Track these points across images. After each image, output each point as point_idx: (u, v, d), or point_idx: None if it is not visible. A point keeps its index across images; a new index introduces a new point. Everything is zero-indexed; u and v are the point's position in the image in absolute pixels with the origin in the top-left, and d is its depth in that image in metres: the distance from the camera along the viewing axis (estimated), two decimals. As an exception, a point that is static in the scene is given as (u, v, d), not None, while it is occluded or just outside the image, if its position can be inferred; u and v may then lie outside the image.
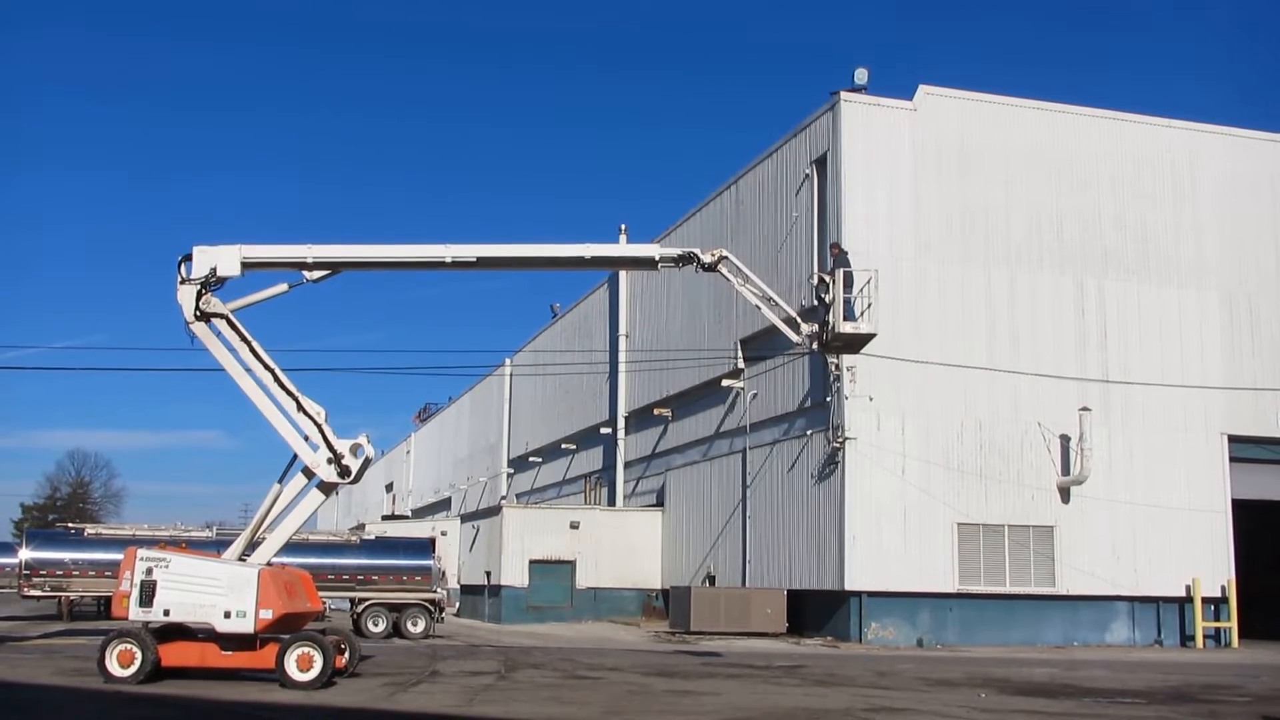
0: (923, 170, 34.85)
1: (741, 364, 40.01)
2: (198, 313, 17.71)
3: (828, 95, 35.28)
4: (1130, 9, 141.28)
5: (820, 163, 35.40)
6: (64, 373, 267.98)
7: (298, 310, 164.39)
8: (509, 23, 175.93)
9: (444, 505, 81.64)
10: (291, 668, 16.58)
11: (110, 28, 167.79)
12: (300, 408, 17.57)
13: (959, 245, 34.87)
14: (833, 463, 33.41)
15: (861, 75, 34.95)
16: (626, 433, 50.87)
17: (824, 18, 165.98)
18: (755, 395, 38.88)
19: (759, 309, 21.31)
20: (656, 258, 20.86)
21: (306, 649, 16.67)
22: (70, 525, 41.33)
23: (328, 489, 17.83)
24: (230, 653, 17.08)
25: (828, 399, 33.89)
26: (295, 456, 17.64)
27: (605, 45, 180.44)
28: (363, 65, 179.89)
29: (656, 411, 46.91)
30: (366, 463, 17.75)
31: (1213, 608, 34.95)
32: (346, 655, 17.92)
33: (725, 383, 40.48)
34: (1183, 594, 34.68)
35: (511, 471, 69.43)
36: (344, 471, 17.55)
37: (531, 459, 64.67)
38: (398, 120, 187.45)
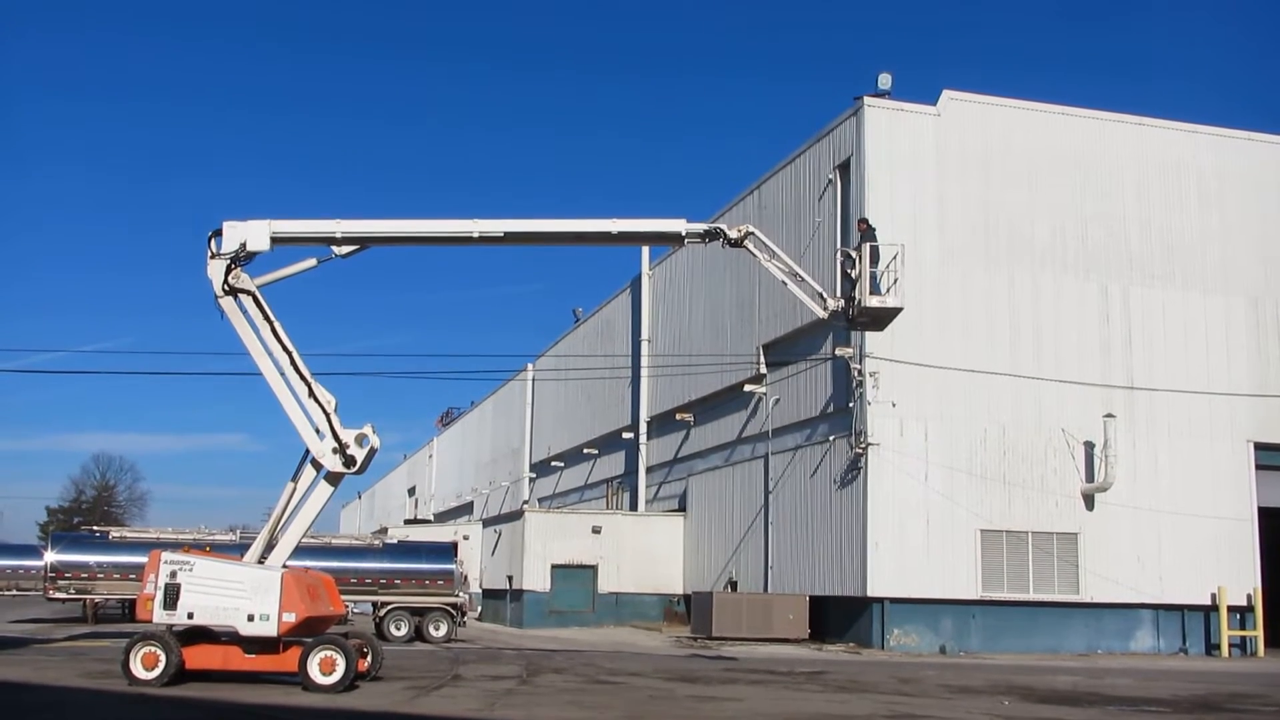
0: (946, 175, 34.73)
1: (763, 369, 39.99)
2: (226, 287, 17.90)
3: (851, 100, 35.27)
4: (1153, 14, 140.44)
5: (844, 168, 35.34)
6: (90, 376, 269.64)
7: (321, 312, 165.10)
8: (531, 29, 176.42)
9: (466, 509, 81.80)
10: (314, 671, 16.62)
11: (113, 29, 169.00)
12: (312, 393, 17.66)
13: (983, 250, 34.73)
14: (855, 468, 33.32)
15: (885, 80, 34.94)
16: (648, 437, 50.87)
17: (847, 23, 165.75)
18: (778, 400, 38.82)
19: (785, 284, 21.26)
20: (683, 232, 20.80)
21: (329, 652, 16.70)
22: (95, 528, 41.67)
23: (335, 479, 17.83)
24: (253, 656, 17.11)
25: (850, 404, 33.80)
26: (306, 452, 17.73)
27: (627, 50, 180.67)
28: (378, 69, 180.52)
29: (679, 416, 46.90)
30: (372, 453, 17.73)
31: (1238, 616, 34.64)
32: (369, 659, 17.94)
33: (747, 388, 40.46)
34: (1208, 602, 34.40)
35: (534, 476, 69.54)
36: (349, 461, 17.55)
37: (554, 463, 64.74)
38: (413, 125, 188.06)
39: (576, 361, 58.49)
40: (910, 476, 32.94)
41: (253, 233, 18.23)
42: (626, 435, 52.39)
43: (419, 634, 33.06)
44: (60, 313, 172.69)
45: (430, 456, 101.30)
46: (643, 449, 51.01)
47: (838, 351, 33.98)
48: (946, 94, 35.26)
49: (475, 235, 19.47)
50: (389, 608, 33.23)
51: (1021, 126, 35.81)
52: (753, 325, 40.77)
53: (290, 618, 16.74)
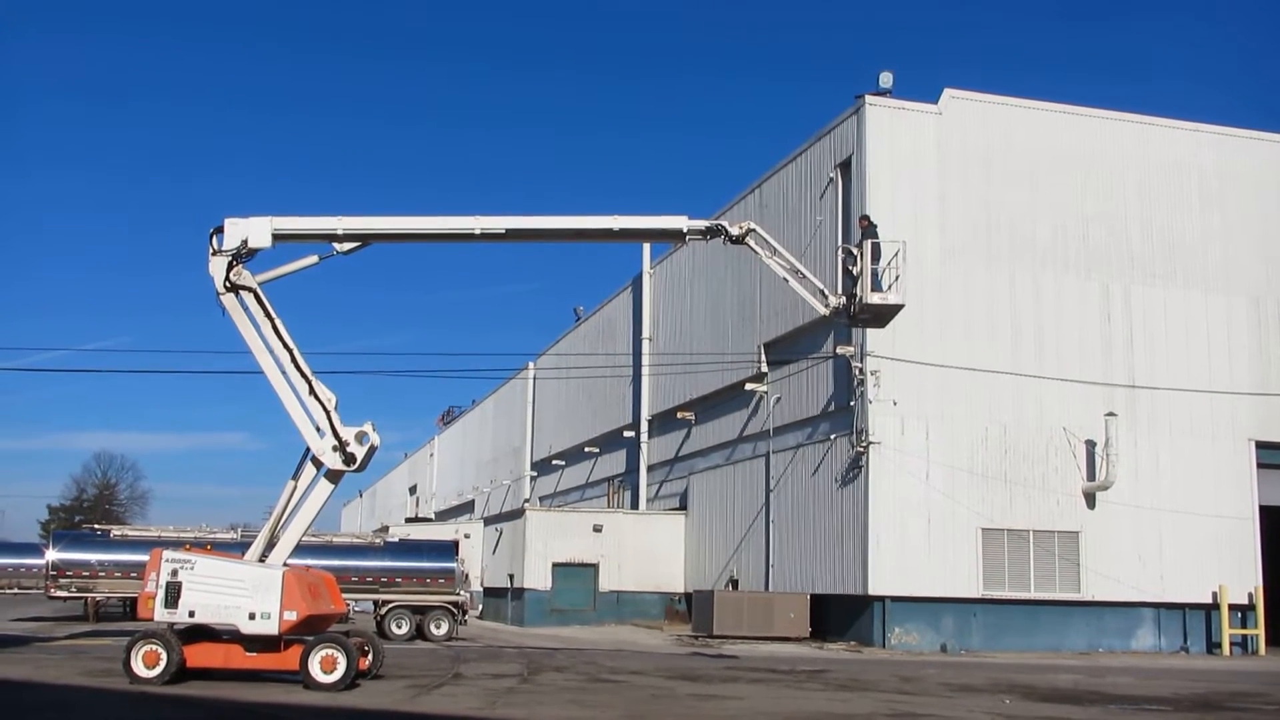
0: (948, 174, 34.71)
1: (765, 368, 39.98)
2: (227, 284, 17.91)
3: (852, 99, 35.25)
4: (1153, 14, 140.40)
5: (845, 166, 35.32)
6: (91, 375, 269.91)
7: (322, 310, 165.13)
8: (531, 29, 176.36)
9: (467, 508, 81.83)
10: (315, 669, 16.62)
11: (113, 29, 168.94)
12: (312, 391, 17.66)
13: (984, 249, 34.71)
14: (856, 467, 33.32)
15: (886, 79, 34.91)
16: (649, 436, 50.85)
17: (847, 23, 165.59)
18: (779, 399, 38.82)
19: (786, 281, 21.24)
20: (685, 229, 20.81)
21: (330, 651, 16.70)
22: (96, 527, 41.70)
23: (335, 477, 17.82)
24: (254, 654, 17.11)
25: (851, 403, 33.79)
26: (307, 450, 17.73)
27: (627, 50, 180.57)
28: (378, 69, 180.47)
29: (680, 415, 46.89)
30: (372, 450, 17.72)
31: (1240, 615, 34.65)
32: (370, 657, 17.95)
33: (749, 386, 40.44)
34: (1209, 601, 34.40)
35: (535, 474, 69.55)
36: (349, 459, 17.55)
37: (555, 462, 64.75)
38: (413, 125, 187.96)
39: (577, 360, 58.47)
40: (911, 475, 32.93)
41: (254, 229, 18.26)
42: (627, 434, 52.37)
43: (420, 632, 33.04)
44: (60, 313, 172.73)
45: (431, 455, 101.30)
46: (644, 447, 50.98)
47: (839, 350, 33.98)
48: (948, 93, 35.24)
49: (477, 232, 19.46)
50: (390, 606, 33.22)
51: (1023, 125, 35.78)
52: (754, 324, 40.75)
53: (291, 616, 16.74)
